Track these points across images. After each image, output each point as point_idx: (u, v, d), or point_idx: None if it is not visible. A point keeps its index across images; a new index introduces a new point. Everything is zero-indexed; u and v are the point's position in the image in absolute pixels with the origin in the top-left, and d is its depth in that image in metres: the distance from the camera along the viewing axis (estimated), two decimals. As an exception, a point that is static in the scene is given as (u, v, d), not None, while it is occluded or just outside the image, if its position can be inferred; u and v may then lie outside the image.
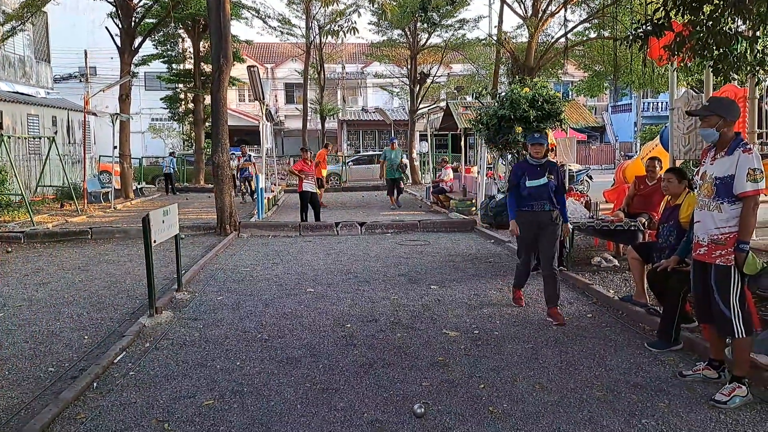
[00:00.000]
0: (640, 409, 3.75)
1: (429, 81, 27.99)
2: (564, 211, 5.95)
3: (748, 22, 6.17)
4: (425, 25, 26.31)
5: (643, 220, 7.25)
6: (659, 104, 36.64)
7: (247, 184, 19.06)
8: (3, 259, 9.37)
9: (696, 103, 8.32)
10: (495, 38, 20.93)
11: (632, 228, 7.27)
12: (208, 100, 20.43)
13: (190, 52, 26.60)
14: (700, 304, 4.02)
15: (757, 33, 6.10)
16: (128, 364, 4.69)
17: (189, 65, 27.20)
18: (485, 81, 27.00)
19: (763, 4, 5.39)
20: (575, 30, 20.21)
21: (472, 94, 16.98)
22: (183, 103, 28.25)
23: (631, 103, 39.09)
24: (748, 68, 6.23)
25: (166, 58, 27.24)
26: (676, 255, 4.87)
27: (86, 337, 5.39)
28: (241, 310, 6.24)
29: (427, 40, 27.37)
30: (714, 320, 3.91)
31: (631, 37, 6.54)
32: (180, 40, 27.53)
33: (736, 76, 6.76)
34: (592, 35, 20.59)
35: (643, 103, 37.64)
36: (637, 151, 26.41)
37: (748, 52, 6.14)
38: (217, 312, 6.20)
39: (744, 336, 3.77)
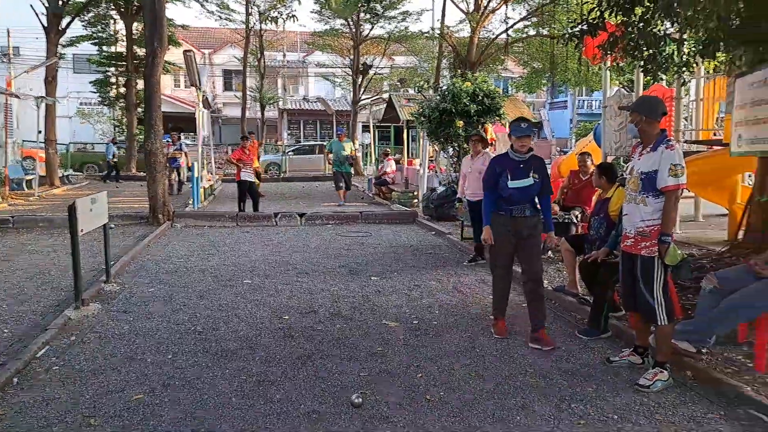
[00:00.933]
0: (570, 394, 3.88)
1: (372, 72, 27.96)
2: (548, 217, 4.97)
3: (676, 25, 6.46)
4: (368, 15, 26.24)
5: (576, 213, 7.49)
6: (594, 102, 37.91)
7: (175, 174, 17.78)
8: None
9: (628, 101, 8.65)
10: (438, 32, 21.10)
11: (565, 221, 7.50)
12: (141, 84, 19.69)
13: (122, 34, 25.53)
14: (626, 293, 4.19)
15: (684, 36, 6.40)
16: (52, 358, 4.46)
17: (121, 48, 26.12)
18: (427, 74, 27.20)
19: (690, 9, 5.63)
20: (515, 27, 20.65)
21: (415, 87, 17.09)
22: (114, 87, 27.12)
23: (567, 100, 40.29)
24: (675, 69, 6.52)
25: (96, 40, 26.06)
26: (606, 247, 5.05)
27: (6, 330, 5.10)
28: (173, 302, 6.05)
29: (370, 31, 27.32)
30: (639, 309, 4.07)
31: (567, 36, 6.73)
32: (112, 21, 26.36)
33: (663, 77, 7.07)
34: (532, 33, 21.07)
35: (579, 100, 38.87)
36: (572, 147, 27.28)
37: (676, 53, 6.43)
38: (148, 304, 5.99)
39: (666, 323, 3.95)
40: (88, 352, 4.60)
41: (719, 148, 8.67)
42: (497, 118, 11.54)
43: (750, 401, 3.58)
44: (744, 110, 5.95)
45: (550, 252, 4.56)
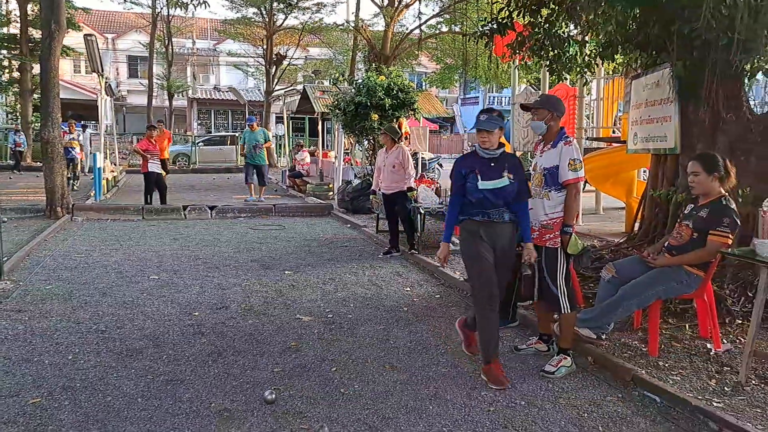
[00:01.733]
0: (480, 382, 3.99)
1: (286, 63, 27.54)
2: (525, 224, 4.11)
3: (579, 27, 6.80)
4: (282, 5, 25.80)
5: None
6: (504, 98, 39.23)
7: (71, 167, 15.40)
8: None
9: (534, 98, 9.00)
10: (352, 24, 21.08)
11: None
12: (37, 69, 18.37)
13: (15, 14, 23.70)
14: (529, 283, 4.35)
15: (586, 38, 6.74)
16: (-67, 364, 4.09)
17: (14, 29, 24.25)
18: (342, 67, 27.13)
19: (591, 12, 5.94)
20: (429, 23, 20.99)
21: (330, 80, 17.02)
22: (6, 71, 25.17)
23: (478, 96, 41.45)
24: (578, 69, 6.86)
25: (-13, 20, 24.07)
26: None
27: None
28: (73, 300, 5.70)
29: (284, 21, 26.88)
30: (544, 298, 4.27)
31: (478, 34, 6.92)
32: (4, 0, 24.41)
33: (567, 76, 7.42)
34: (444, 29, 21.49)
35: (490, 96, 40.11)
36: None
37: (578, 54, 6.76)
38: (45, 302, 5.61)
39: (569, 311, 4.16)
40: (-24, 356, 4.25)
41: (618, 144, 9.21)
42: (411, 112, 11.71)
43: (644, 383, 3.83)
44: (639, 110, 6.36)
45: (528, 270, 4.16)
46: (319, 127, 19.43)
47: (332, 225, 10.98)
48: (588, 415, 3.56)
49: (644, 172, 9.89)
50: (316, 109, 17.69)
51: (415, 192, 8.25)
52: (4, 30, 24.97)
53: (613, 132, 10.66)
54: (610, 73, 9.78)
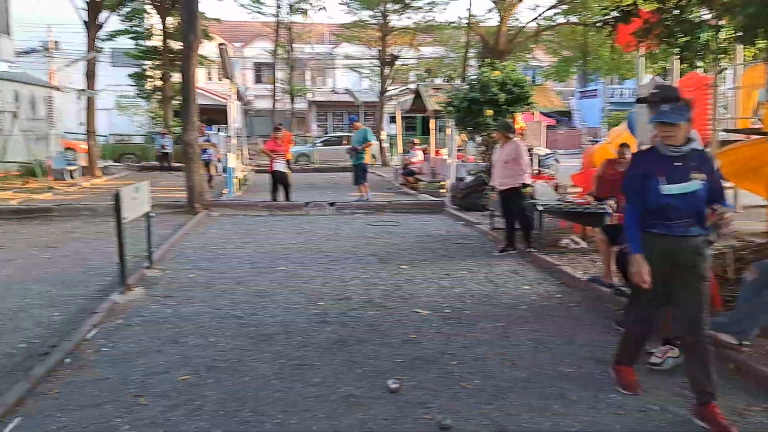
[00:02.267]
0: (608, 384, 3.85)
1: (399, 63, 27.93)
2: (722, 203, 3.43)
3: (712, 11, 6.35)
4: (395, 6, 26.20)
5: (611, 202, 7.43)
6: (625, 90, 37.25)
7: (206, 168, 15.18)
8: (-36, 237, 9.13)
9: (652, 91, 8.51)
10: (465, 21, 20.98)
11: (599, 211, 7.45)
12: (176, 77, 20.02)
13: (157, 28, 25.95)
14: None
15: (722, 22, 6.29)
16: (100, 340, 4.66)
17: (157, 41, 26.56)
18: (455, 64, 27.08)
19: (728, -6, 5.54)
20: (545, 15, 20.40)
21: (443, 77, 17.09)
22: (150, 80, 27.62)
23: (597, 89, 39.66)
24: (712, 56, 6.41)
25: (133, 34, 26.52)
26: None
27: (56, 314, 5.33)
28: (213, 288, 6.23)
29: (397, 21, 27.26)
30: None
31: (599, 24, 6.67)
32: (147, 15, 26.81)
33: (700, 64, 6.96)
34: (561, 20, 20.80)
35: (609, 89, 38.25)
36: (602, 137, 26.89)
37: (712, 40, 6.32)
38: (189, 289, 6.18)
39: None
40: (134, 335, 4.79)
41: (757, 137, 8.50)
42: (527, 106, 11.49)
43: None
44: (784, 98, 5.84)
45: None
46: (431, 125, 19.54)
47: (445, 222, 11.05)
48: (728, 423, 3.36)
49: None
50: (428, 107, 17.81)
51: (531, 188, 8.09)
52: (148, 42, 27.42)
53: (753, 123, 9.82)
54: (749, 59, 9.02)
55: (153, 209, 7.14)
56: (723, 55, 6.41)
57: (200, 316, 5.28)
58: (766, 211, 9.03)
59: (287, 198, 12.99)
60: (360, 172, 13.32)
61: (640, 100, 4.41)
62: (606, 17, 6.59)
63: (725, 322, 4.23)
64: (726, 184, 9.95)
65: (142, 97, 28.89)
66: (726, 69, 9.30)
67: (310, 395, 3.75)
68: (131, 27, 26.31)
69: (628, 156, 7.58)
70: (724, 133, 9.85)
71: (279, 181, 12.91)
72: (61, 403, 3.62)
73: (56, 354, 4.23)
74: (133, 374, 4.04)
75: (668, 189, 3.33)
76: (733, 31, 6.12)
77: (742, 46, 6.41)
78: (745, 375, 3.94)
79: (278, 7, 27.75)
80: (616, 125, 20.19)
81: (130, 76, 27.78)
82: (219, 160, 16.64)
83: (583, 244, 8.10)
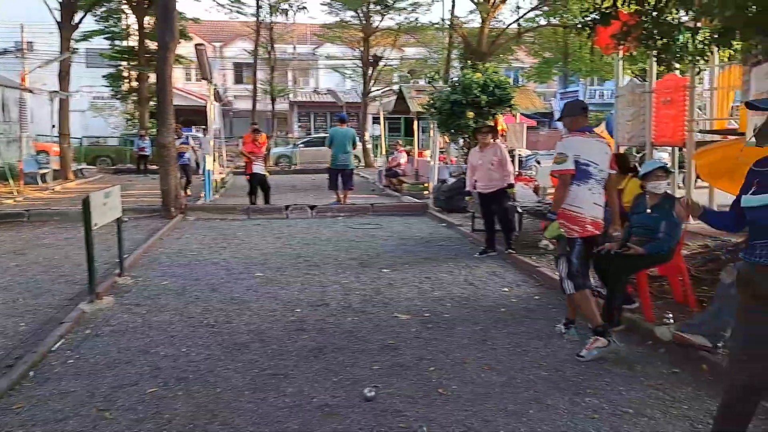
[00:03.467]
0: (583, 387, 3.85)
1: (382, 64, 27.86)
2: None
3: (690, 13, 6.36)
4: (378, 6, 26.14)
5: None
6: (605, 92, 37.56)
7: (182, 172, 13.98)
8: (-70, 243, 8.86)
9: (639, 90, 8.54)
10: (448, 23, 20.98)
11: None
12: (152, 78, 19.74)
13: (134, 28, 25.58)
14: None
15: (699, 24, 6.29)
16: (67, 351, 4.50)
17: (133, 42, 26.19)
18: (438, 65, 27.09)
19: (705, -4, 5.53)
20: (526, 16, 20.46)
21: (425, 78, 17.04)
22: (126, 81, 27.24)
23: (578, 90, 39.94)
24: (690, 58, 6.42)
25: (108, 35, 26.12)
26: (620, 239, 5.00)
27: (22, 324, 5.16)
28: (186, 295, 6.08)
29: (380, 22, 27.21)
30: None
31: (579, 25, 6.64)
32: (123, 15, 26.44)
33: (678, 66, 6.97)
34: (543, 22, 20.88)
35: (590, 90, 38.54)
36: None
37: (690, 42, 6.32)
38: (161, 297, 6.02)
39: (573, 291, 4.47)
40: (103, 346, 4.64)
41: (734, 137, 8.55)
42: (508, 108, 11.47)
43: (766, 395, 3.53)
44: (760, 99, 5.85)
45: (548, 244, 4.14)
46: (415, 126, 19.50)
47: (428, 224, 10.99)
48: (703, 427, 3.34)
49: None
50: (411, 108, 17.76)
51: (513, 190, 8.07)
52: (125, 43, 27.03)
53: (729, 124, 9.89)
54: (726, 60, 9.08)
55: (127, 214, 6.99)
56: (700, 57, 6.42)
57: (172, 325, 5.14)
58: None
59: (266, 201, 12.83)
60: (346, 178, 12.80)
61: (750, 106, 3.96)
62: (586, 20, 6.57)
63: (697, 323, 4.21)
64: (702, 184, 10.02)
65: (118, 99, 28.48)
66: (703, 70, 9.36)
67: (284, 406, 3.65)
68: (107, 27, 25.92)
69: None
70: (701, 133, 9.91)
71: (258, 183, 12.75)
72: (23, 418, 3.47)
73: (20, 366, 4.07)
74: (100, 387, 3.89)
75: (748, 201, 2.83)
76: (710, 34, 6.12)
77: (719, 48, 6.42)
78: (717, 377, 3.90)
79: (258, 6, 27.50)
80: (596, 126, 20.32)
81: (105, 77, 27.37)
82: (197, 164, 16.27)
83: (547, 245, 8.05)
